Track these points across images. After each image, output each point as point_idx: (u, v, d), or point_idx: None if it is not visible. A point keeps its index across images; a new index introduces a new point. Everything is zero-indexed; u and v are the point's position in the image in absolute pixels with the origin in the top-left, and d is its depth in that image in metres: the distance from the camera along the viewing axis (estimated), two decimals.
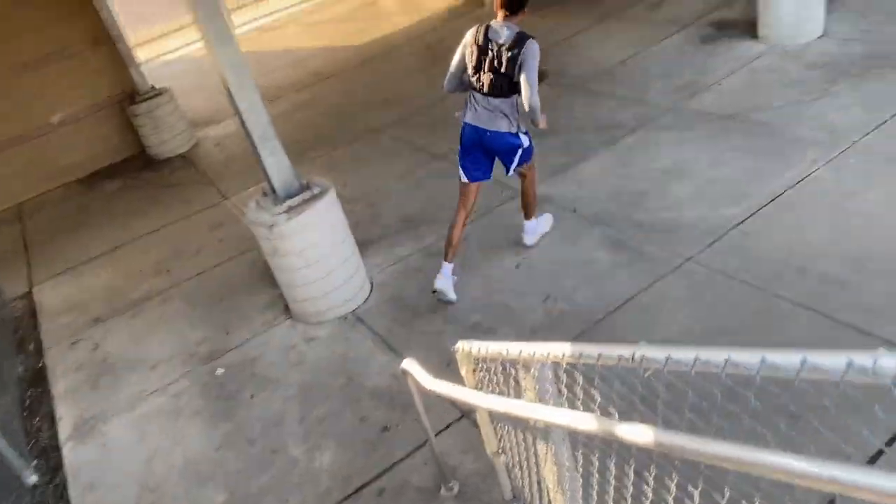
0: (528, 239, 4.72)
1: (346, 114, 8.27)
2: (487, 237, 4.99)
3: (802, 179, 4.54)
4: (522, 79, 3.73)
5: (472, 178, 4.27)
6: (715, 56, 6.67)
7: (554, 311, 4.08)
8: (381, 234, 5.46)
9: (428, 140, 6.82)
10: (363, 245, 5.09)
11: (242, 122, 4.03)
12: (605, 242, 4.55)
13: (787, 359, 0.94)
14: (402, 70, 9.37)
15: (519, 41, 3.72)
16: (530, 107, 3.76)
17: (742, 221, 4.34)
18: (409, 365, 2.53)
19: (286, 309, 4.75)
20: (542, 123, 3.88)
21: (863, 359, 0.83)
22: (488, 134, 4.02)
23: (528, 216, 4.63)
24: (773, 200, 4.44)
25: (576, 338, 3.81)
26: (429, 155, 6.52)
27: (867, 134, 4.79)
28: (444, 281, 4.34)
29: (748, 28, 6.87)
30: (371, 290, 4.76)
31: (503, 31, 3.77)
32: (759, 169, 4.78)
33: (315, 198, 4.18)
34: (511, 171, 4.22)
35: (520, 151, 4.08)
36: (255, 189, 5.43)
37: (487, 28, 3.81)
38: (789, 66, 6.07)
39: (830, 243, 3.95)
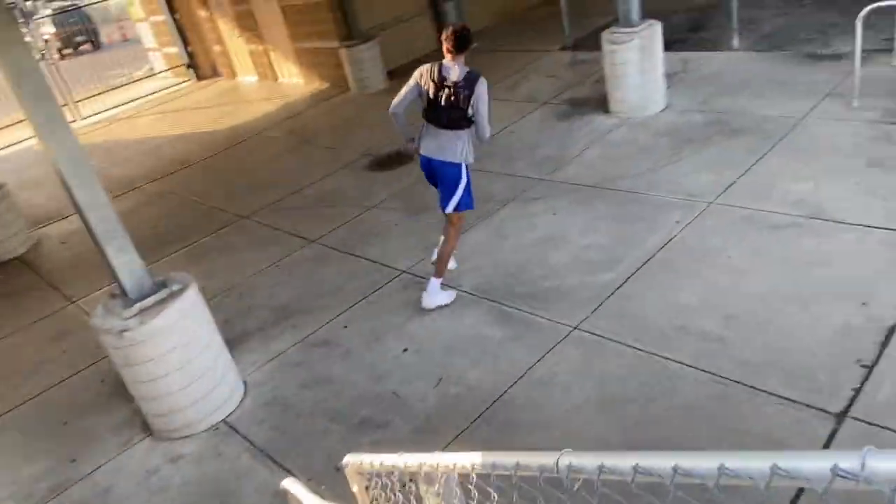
0: (427, 300, 4.61)
1: (211, 202, 7.81)
2: (370, 322, 4.72)
3: (669, 241, 4.73)
4: (477, 115, 4.16)
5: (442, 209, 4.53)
6: (573, 130, 7.03)
7: (448, 396, 3.84)
8: (255, 328, 5.03)
9: (302, 224, 6.53)
10: (234, 342, 4.65)
11: (84, 219, 3.56)
12: (493, 317, 4.44)
13: (751, 464, 0.77)
14: (269, 154, 9.10)
15: (470, 79, 4.11)
16: (484, 138, 4.30)
17: (620, 286, 4.40)
18: (290, 485, 2.17)
19: (145, 426, 4.15)
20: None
21: (849, 461, 0.67)
22: (434, 162, 4.36)
23: (438, 273, 4.61)
24: (645, 263, 4.57)
25: (474, 422, 3.59)
26: (303, 240, 6.22)
27: (719, 195, 5.13)
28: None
29: (600, 104, 7.35)
30: (245, 393, 4.29)
31: (454, 69, 4.13)
32: (629, 234, 4.95)
33: (173, 296, 3.74)
34: (449, 208, 4.44)
35: (461, 189, 4.38)
36: (107, 289, 4.85)
37: (440, 67, 4.17)
38: (641, 136, 6.50)
39: (704, 301, 4.08)
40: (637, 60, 6.66)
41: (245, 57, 13.33)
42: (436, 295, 4.61)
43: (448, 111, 4.17)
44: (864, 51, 5.78)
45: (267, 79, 13.06)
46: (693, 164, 5.71)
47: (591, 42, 9.69)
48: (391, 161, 7.48)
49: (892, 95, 5.88)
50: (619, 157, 6.20)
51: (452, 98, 4.11)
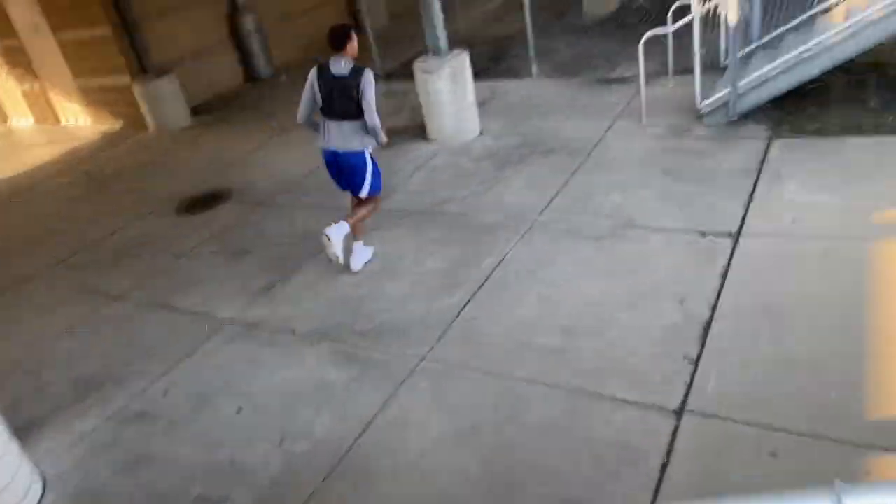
0: (355, 262, 4.99)
1: None
2: (195, 384, 4.20)
3: (503, 260, 4.80)
4: (364, 102, 4.46)
5: (342, 189, 4.98)
6: (397, 158, 6.98)
7: (294, 454, 3.48)
8: (53, 408, 4.25)
9: (102, 279, 5.74)
10: (27, 429, 3.88)
11: None
12: (333, 359, 4.15)
13: None
14: (59, 204, 7.96)
15: (356, 71, 4.47)
16: (373, 124, 4.52)
17: (462, 309, 4.36)
18: None
19: None
20: (383, 137, 4.67)
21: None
22: (340, 154, 4.68)
23: (356, 232, 4.98)
24: (483, 284, 4.58)
25: (326, 480, 3.27)
26: (105, 297, 5.45)
27: (542, 212, 5.34)
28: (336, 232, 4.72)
29: (419, 131, 7.41)
30: (44, 491, 3.56)
31: (340, 63, 4.48)
32: (464, 256, 4.95)
33: None
34: (363, 193, 4.84)
35: (369, 173, 4.75)
36: None
37: (327, 65, 4.51)
38: (462, 161, 6.62)
39: (542, 315, 4.15)
40: (450, 89, 6.81)
41: (17, 97, 11.72)
42: (361, 253, 5.04)
43: (341, 102, 4.51)
44: (646, 74, 6.42)
45: (46, 121, 11.57)
46: (515, 184, 5.91)
47: (403, 72, 9.86)
48: (204, 202, 6.90)
49: (672, 113, 6.57)
50: (444, 182, 6.25)
51: (343, 89, 4.46)
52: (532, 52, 8.54)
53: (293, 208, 6.36)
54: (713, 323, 3.77)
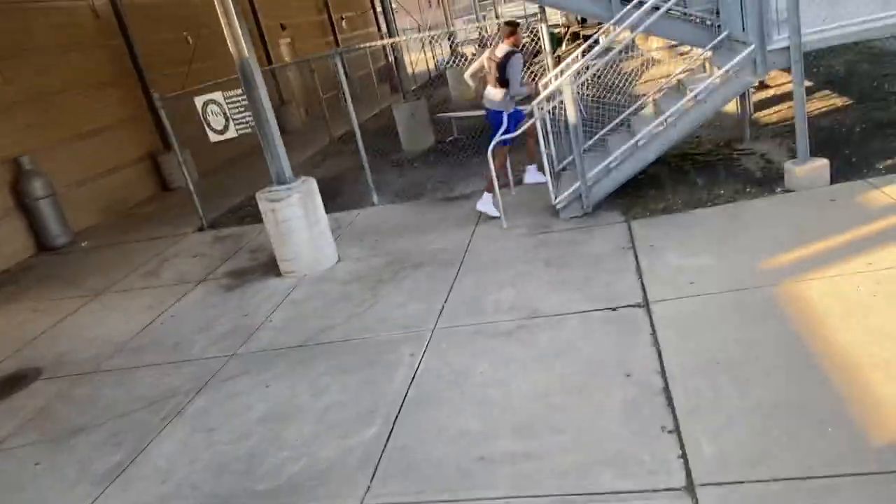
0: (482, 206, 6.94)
1: None
2: None
3: (415, 375, 4.17)
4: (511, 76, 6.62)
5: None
6: (249, 298, 6.17)
7: None
8: None
9: None
10: None
11: None
12: None
13: None
14: None
15: (507, 53, 6.58)
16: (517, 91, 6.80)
17: (388, 439, 3.60)
18: None
19: None
20: (528, 90, 6.99)
21: None
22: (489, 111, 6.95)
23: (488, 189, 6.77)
24: (402, 406, 3.89)
25: None
26: None
27: (438, 320, 4.87)
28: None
29: (268, 268, 6.72)
30: None
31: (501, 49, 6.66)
32: (367, 381, 4.24)
33: None
34: (494, 143, 6.61)
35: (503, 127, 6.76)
36: None
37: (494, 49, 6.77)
38: (327, 288, 6.01)
39: (486, 423, 3.56)
40: (302, 215, 6.31)
41: None
42: (487, 204, 6.83)
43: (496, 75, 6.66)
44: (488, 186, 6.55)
45: None
46: (396, 300, 5.41)
47: (228, 219, 9.21)
48: (7, 385, 5.38)
49: (528, 215, 6.69)
50: (314, 313, 5.55)
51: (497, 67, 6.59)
52: (371, 183, 8.45)
53: (134, 370, 5.16)
54: (671, 387, 3.48)
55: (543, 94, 6.39)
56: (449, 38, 20.68)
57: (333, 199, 9.23)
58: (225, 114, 8.17)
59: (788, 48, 5.50)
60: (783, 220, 5.28)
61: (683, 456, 2.97)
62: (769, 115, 8.53)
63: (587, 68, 6.54)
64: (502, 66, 6.61)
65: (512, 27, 6.71)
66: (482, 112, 10.54)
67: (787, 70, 5.79)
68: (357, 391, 4.16)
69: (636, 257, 5.18)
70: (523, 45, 7.12)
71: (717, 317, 4.08)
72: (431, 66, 23.86)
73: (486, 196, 6.81)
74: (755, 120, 8.18)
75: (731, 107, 7.78)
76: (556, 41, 21.72)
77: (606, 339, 4.13)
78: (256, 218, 8.75)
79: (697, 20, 6.91)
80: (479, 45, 23.63)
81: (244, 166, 12.43)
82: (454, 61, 20.05)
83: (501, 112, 6.87)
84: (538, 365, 4.01)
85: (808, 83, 9.53)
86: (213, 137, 8.23)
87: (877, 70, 9.37)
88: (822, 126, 7.31)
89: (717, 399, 3.31)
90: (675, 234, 5.48)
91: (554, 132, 6.67)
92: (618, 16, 6.84)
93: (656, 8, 6.05)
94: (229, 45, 6.07)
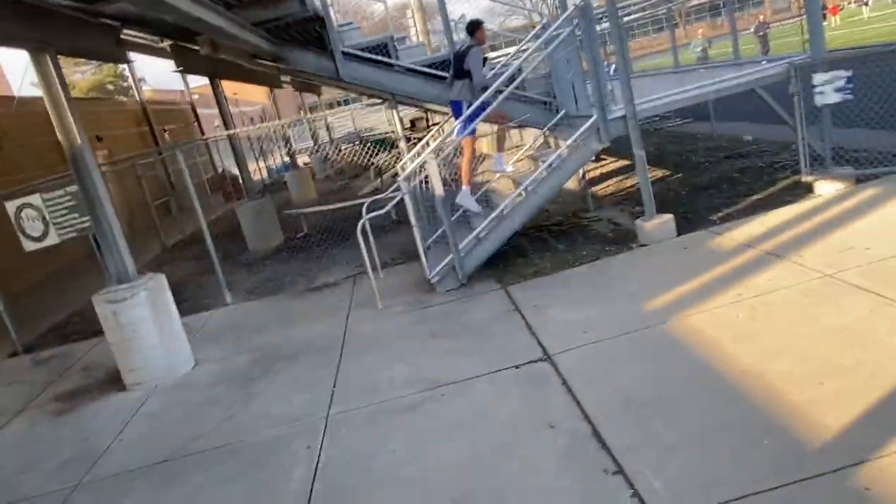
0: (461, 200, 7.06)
1: None
2: None
3: (317, 469, 3.63)
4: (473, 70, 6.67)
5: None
6: (89, 420, 5.17)
7: None
8: None
9: None
10: None
11: None
12: None
13: None
14: None
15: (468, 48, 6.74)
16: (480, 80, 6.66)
17: None
18: None
19: None
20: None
21: None
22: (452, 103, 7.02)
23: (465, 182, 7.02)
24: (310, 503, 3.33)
25: None
26: None
27: (329, 407, 4.37)
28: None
29: (107, 384, 5.78)
30: None
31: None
32: (261, 486, 3.61)
33: None
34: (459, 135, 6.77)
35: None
36: None
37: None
38: (187, 395, 5.23)
39: (418, 502, 3.13)
40: (150, 316, 5.54)
41: None
42: (467, 197, 6.96)
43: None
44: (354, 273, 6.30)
45: None
46: (275, 394, 4.82)
47: (49, 339, 7.95)
48: None
49: (402, 293, 6.48)
50: (176, 423, 4.75)
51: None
52: (222, 280, 7.78)
53: None
54: (599, 431, 3.33)
55: (405, 173, 6.39)
56: (286, 145, 20.66)
57: (178, 303, 8.33)
58: (44, 218, 7.19)
59: (624, 116, 6.06)
60: (648, 269, 5.59)
61: (636, 494, 2.79)
62: (603, 188, 9.30)
63: (443, 146, 6.69)
64: (462, 56, 6.75)
65: (475, 25, 6.88)
66: (333, 206, 10.52)
67: (625, 137, 6.34)
68: (249, 499, 3.51)
69: (523, 317, 5.14)
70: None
71: (621, 358, 4.08)
72: (264, 174, 23.60)
73: (465, 189, 7.04)
74: (592, 193, 8.85)
75: (571, 183, 8.36)
76: (386, 145, 22.64)
77: (518, 396, 3.94)
78: (85, 334, 7.67)
79: (536, 102, 7.46)
80: (315, 152, 23.93)
81: (63, 281, 11.00)
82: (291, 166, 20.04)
83: (461, 102, 6.89)
84: (456, 432, 3.68)
85: (628, 161, 10.64)
86: (29, 246, 7.13)
87: (681, 148, 10.73)
88: (654, 191, 8.07)
89: (648, 434, 3.21)
90: (554, 292, 5.56)
91: (416, 213, 6.62)
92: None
93: (499, 92, 6.43)
94: (58, 134, 5.40)
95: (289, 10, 5.35)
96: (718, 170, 8.56)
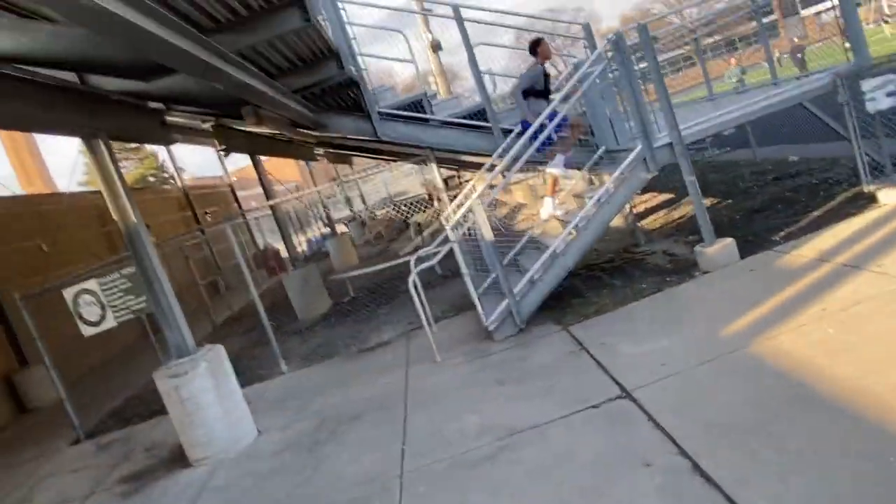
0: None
1: None
2: None
3: None
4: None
5: None
6: (158, 499, 5.07)
7: None
8: None
9: None
10: None
11: None
12: None
13: None
14: None
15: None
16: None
17: None
18: None
19: None
20: None
21: None
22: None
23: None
24: None
25: None
26: None
27: (403, 464, 4.19)
28: None
29: (172, 462, 5.67)
30: None
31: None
32: None
33: None
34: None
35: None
36: None
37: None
38: (254, 465, 5.10)
39: None
40: (212, 387, 5.50)
41: None
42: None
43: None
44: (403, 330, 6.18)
45: None
46: (344, 457, 4.65)
47: (110, 424, 7.95)
48: None
49: (459, 345, 6.32)
50: (247, 494, 4.61)
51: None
52: (276, 351, 7.75)
53: None
54: (702, 465, 3.08)
55: (451, 222, 6.33)
56: (325, 214, 21.05)
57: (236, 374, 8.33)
58: (101, 302, 7.36)
59: (671, 143, 5.95)
60: (717, 294, 5.35)
61: None
62: (650, 222, 9.11)
63: (491, 187, 6.66)
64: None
65: (537, 42, 6.78)
66: (378, 267, 10.52)
67: (666, 170, 6.20)
68: None
69: (591, 356, 4.92)
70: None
71: (708, 387, 3.83)
72: (304, 248, 24.02)
73: (559, 157, 6.77)
74: (641, 227, 8.67)
75: (617, 220, 8.21)
76: (420, 207, 22.93)
77: (602, 436, 3.71)
78: (144, 416, 7.67)
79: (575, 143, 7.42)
80: (352, 220, 24.33)
81: (116, 366, 11.14)
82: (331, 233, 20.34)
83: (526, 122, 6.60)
84: (542, 480, 3.46)
85: (671, 195, 10.46)
86: (88, 331, 7.31)
87: (724, 176, 10.52)
88: (732, 223, 7.87)
89: (756, 463, 2.95)
90: (619, 328, 5.34)
91: (465, 261, 6.53)
92: (503, 146, 7.22)
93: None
94: (114, 215, 5.52)
95: (327, 73, 5.49)
96: (769, 192, 8.32)
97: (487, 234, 5.95)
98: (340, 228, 24.88)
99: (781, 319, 4.35)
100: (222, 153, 22.39)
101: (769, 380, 3.65)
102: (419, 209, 21.59)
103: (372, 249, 18.54)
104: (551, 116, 6.32)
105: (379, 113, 7.26)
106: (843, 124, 6.01)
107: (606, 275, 7.05)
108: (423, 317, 6.21)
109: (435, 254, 6.82)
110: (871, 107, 5.72)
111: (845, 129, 6.00)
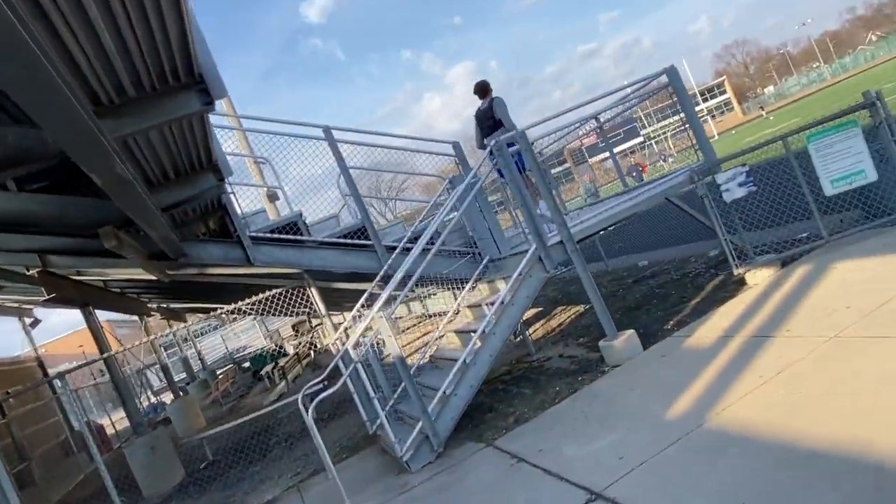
0: None
1: None
2: None
3: None
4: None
5: None
6: None
7: None
8: None
9: None
10: None
11: None
12: None
13: None
14: None
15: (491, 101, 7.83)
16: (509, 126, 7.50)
17: None
18: None
19: None
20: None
21: None
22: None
23: None
24: None
25: None
26: None
27: None
28: None
29: None
30: None
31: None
32: None
33: None
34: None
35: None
36: None
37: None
38: None
39: None
40: None
41: None
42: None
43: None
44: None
45: None
46: None
47: None
48: None
49: (371, 482, 5.48)
50: None
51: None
52: None
53: None
54: None
55: (350, 340, 5.72)
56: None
57: None
58: None
59: (561, 241, 6.01)
60: (641, 383, 5.20)
61: None
62: (531, 333, 9.08)
63: (393, 299, 6.17)
64: (485, 112, 7.87)
65: (482, 85, 7.97)
66: (241, 420, 9.23)
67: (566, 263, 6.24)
68: None
69: (536, 466, 4.43)
70: None
71: (685, 470, 3.51)
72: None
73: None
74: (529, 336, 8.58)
75: None
76: (265, 359, 21.35)
77: None
78: None
79: (456, 254, 7.32)
80: (190, 382, 21.87)
81: None
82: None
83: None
84: None
85: (539, 308, 10.64)
86: None
87: (581, 287, 10.98)
88: (586, 324, 7.98)
89: None
90: (552, 433, 4.94)
91: (371, 384, 5.88)
92: (386, 264, 6.91)
93: (426, 250, 6.22)
94: None
95: (204, 186, 4.88)
96: (637, 292, 8.73)
97: (395, 346, 5.40)
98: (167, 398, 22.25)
99: (724, 392, 4.24)
100: (29, 326, 19.50)
101: (745, 449, 3.43)
102: (264, 363, 20.11)
103: (220, 409, 16.63)
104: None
105: (251, 237, 6.65)
106: (707, 216, 6.52)
107: (511, 385, 6.72)
108: (325, 457, 5.34)
109: (323, 385, 6.07)
110: (727, 196, 6.29)
111: (709, 220, 6.50)
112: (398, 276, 6.42)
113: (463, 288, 7.07)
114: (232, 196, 6.70)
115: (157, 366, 21.10)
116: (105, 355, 9.07)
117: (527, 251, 6.15)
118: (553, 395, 5.81)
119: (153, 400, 25.22)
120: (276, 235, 6.79)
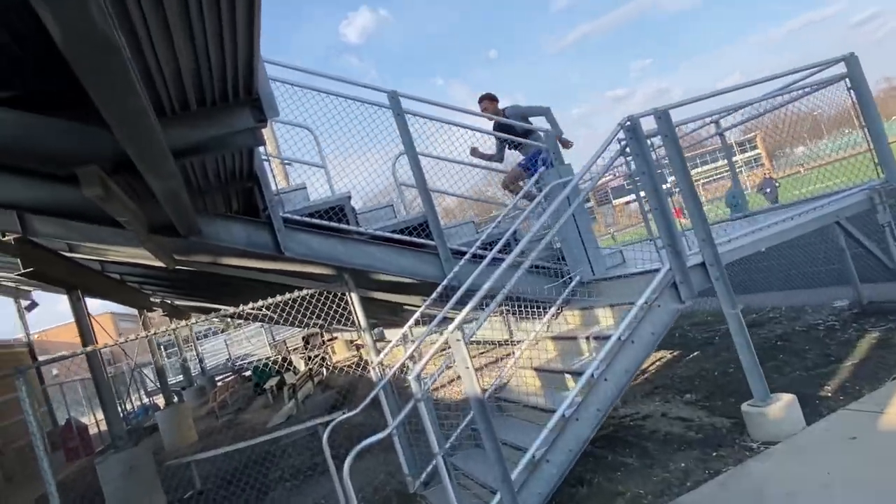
0: None
1: None
2: None
3: None
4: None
5: None
6: None
7: None
8: None
9: None
10: None
11: None
12: None
13: None
14: None
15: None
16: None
17: None
18: None
19: None
20: None
21: None
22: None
23: None
24: None
25: None
26: None
27: None
28: None
29: None
30: None
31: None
32: None
33: None
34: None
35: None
36: None
37: None
38: None
39: None
40: None
41: None
42: None
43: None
44: None
45: None
46: None
47: None
48: None
49: None
50: None
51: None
52: None
53: None
54: None
55: (415, 369, 4.15)
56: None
57: None
58: None
59: (703, 263, 4.44)
60: (835, 479, 3.55)
61: None
62: None
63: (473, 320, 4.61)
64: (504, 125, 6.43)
65: (489, 98, 6.65)
66: (246, 443, 7.61)
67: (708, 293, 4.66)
68: None
69: None
70: None
71: None
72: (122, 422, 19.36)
73: None
74: None
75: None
76: (269, 372, 19.65)
77: None
78: None
79: (541, 270, 5.75)
80: (187, 387, 20.30)
81: None
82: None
83: (529, 157, 6.60)
84: None
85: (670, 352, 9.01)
86: None
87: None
88: (685, 375, 6.35)
89: None
90: None
91: (433, 425, 4.28)
92: (451, 272, 5.37)
93: (497, 259, 4.71)
94: None
95: (237, 124, 3.39)
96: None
97: (472, 383, 3.79)
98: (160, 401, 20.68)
99: None
100: (24, 309, 18.00)
101: None
102: (267, 377, 18.40)
103: (216, 422, 14.98)
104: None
105: (284, 219, 5.13)
106: (884, 249, 4.92)
107: (604, 449, 5.08)
108: None
109: (343, 413, 4.48)
110: None
111: (887, 256, 4.90)
112: (464, 289, 4.93)
113: (540, 313, 5.50)
114: (267, 164, 5.21)
115: (153, 366, 19.62)
116: (88, 349, 7.51)
117: (649, 272, 4.60)
118: (679, 473, 4.18)
119: (145, 400, 23.59)
120: (315, 220, 5.27)
